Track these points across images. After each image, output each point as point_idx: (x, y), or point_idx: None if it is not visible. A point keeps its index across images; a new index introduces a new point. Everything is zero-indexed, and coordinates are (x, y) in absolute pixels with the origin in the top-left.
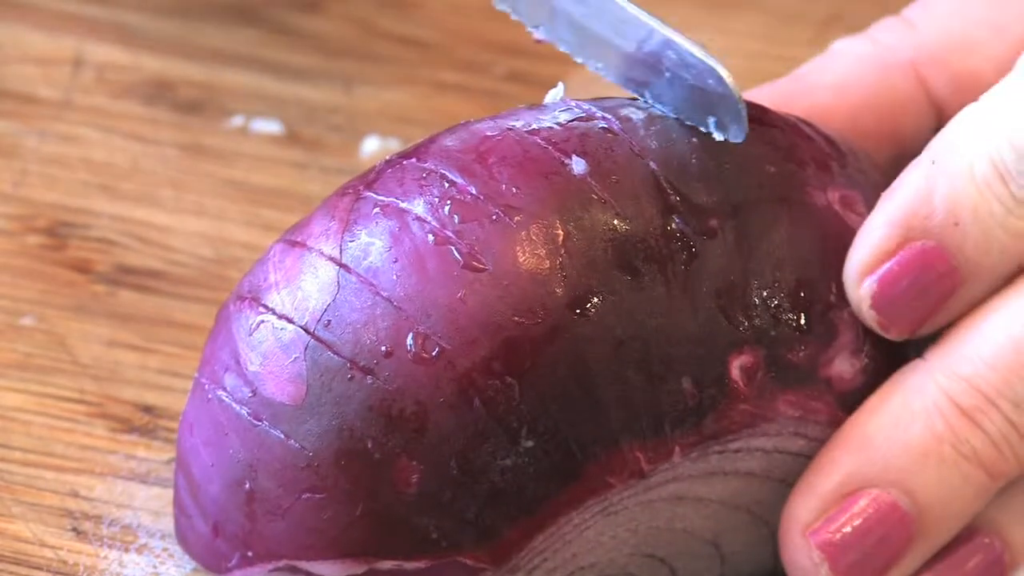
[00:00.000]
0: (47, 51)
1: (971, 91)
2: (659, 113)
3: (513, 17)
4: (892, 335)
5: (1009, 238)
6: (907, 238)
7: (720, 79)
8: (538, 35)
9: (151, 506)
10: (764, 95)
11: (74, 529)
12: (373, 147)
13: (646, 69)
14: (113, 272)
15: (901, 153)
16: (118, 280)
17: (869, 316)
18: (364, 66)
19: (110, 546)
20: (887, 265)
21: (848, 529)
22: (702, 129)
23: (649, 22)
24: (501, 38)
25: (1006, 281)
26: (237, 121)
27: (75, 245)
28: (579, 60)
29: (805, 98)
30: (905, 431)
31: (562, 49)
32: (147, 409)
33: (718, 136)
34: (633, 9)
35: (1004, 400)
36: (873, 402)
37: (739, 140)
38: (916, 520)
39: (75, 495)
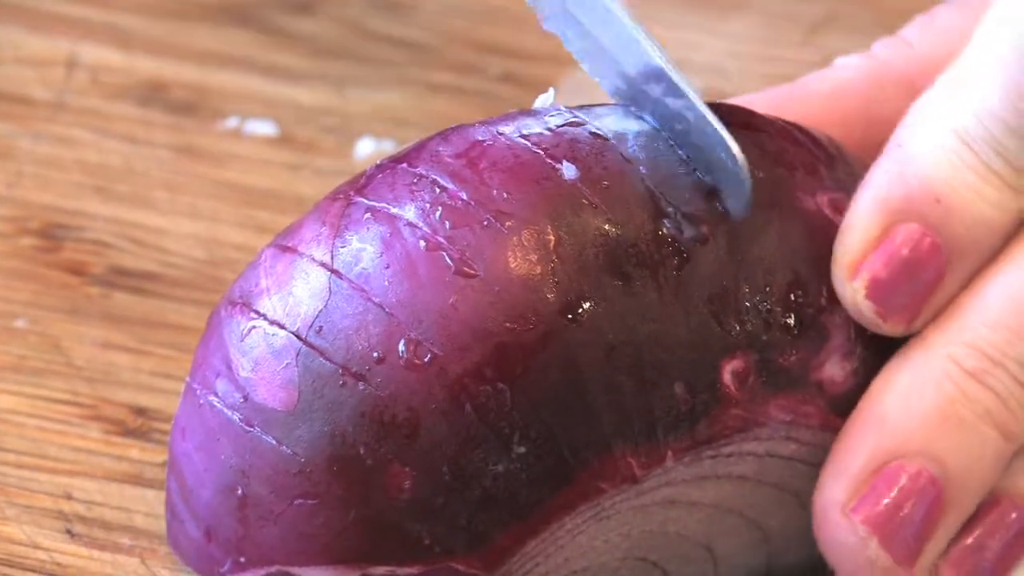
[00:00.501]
0: (41, 53)
1: None
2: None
3: (528, 2)
4: (889, 327)
5: (990, 209)
6: (890, 223)
7: (733, 157)
8: (546, 25)
9: (145, 508)
10: (759, 101)
11: (68, 531)
12: (367, 149)
13: (649, 101)
14: (107, 274)
15: None
16: (112, 282)
17: (865, 307)
18: (357, 67)
19: (103, 548)
20: (875, 254)
21: (887, 501)
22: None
23: (668, 70)
24: (494, 39)
25: (994, 256)
26: (231, 123)
27: (69, 247)
28: (584, 67)
29: (799, 105)
30: (919, 401)
31: (567, 48)
32: (141, 411)
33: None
34: (654, 53)
35: (1010, 360)
36: (880, 382)
37: (738, 216)
38: (946, 484)
39: (69, 497)
